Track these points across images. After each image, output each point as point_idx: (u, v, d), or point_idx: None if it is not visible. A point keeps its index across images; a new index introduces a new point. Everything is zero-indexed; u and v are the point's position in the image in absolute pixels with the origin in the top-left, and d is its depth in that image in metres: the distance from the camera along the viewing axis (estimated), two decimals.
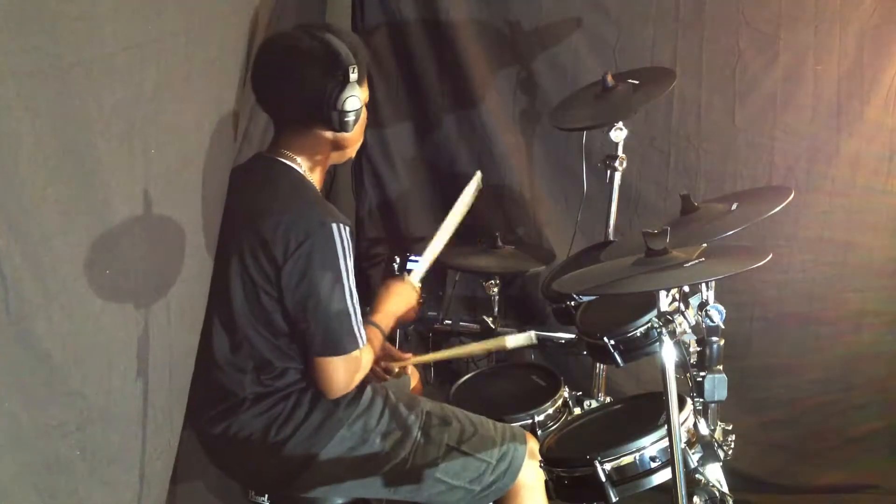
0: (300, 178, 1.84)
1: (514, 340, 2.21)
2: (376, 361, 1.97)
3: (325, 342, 1.76)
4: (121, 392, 1.37)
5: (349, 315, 1.76)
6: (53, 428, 1.19)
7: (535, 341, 2.25)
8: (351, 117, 1.77)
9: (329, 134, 1.83)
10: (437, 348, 2.80)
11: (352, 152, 1.94)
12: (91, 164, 1.20)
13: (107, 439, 1.33)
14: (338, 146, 1.88)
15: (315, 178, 1.89)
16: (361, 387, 1.87)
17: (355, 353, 1.78)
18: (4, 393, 1.09)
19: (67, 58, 1.11)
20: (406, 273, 2.17)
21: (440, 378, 2.88)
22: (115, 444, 1.36)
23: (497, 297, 2.68)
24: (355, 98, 1.76)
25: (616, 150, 2.55)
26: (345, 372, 1.78)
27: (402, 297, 2.06)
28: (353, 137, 1.87)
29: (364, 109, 1.84)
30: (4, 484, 1.11)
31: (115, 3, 1.22)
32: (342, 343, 1.76)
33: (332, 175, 2.93)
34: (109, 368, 1.33)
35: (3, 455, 1.10)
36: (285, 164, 1.84)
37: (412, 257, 2.67)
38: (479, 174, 2.32)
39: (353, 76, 1.74)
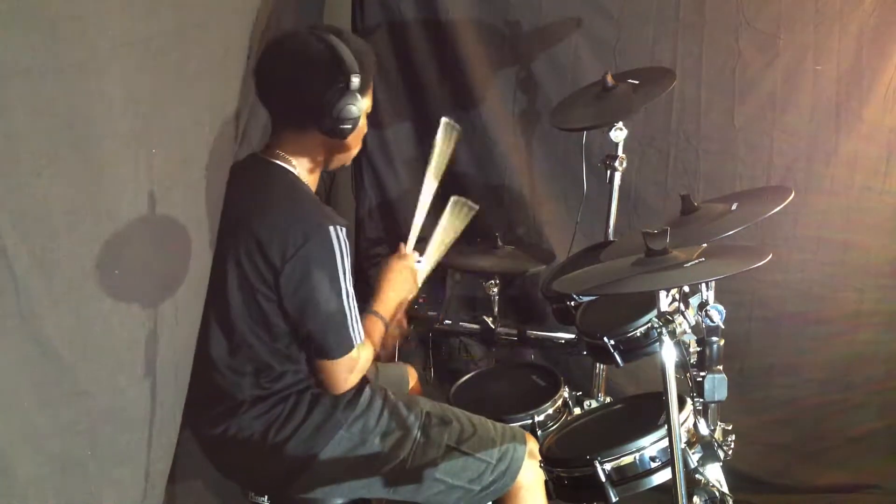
0: (295, 181, 1.84)
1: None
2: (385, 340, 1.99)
3: (323, 345, 1.77)
4: (129, 392, 1.37)
5: (346, 316, 1.76)
6: (65, 427, 1.19)
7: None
8: (347, 125, 1.76)
9: (324, 139, 1.82)
10: (437, 348, 2.81)
11: (347, 159, 1.94)
12: (96, 164, 1.20)
13: (116, 439, 1.33)
14: (333, 152, 1.88)
15: (310, 180, 1.88)
16: (360, 388, 1.87)
17: (352, 352, 1.79)
18: (20, 393, 1.09)
19: (68, 56, 1.11)
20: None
21: (440, 378, 2.88)
22: (124, 443, 1.37)
23: (497, 297, 2.68)
24: (353, 107, 1.74)
25: (616, 150, 2.55)
26: (344, 371, 1.80)
27: (401, 277, 2.05)
28: (349, 145, 1.87)
29: (364, 119, 1.84)
30: (21, 484, 1.11)
31: (114, 2, 1.22)
32: (340, 345, 1.77)
33: (332, 175, 2.93)
34: (118, 368, 1.33)
35: (19, 455, 1.10)
36: (280, 166, 1.84)
37: None
38: (444, 120, 2.28)
39: (355, 85, 1.74)
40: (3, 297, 1.05)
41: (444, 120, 2.28)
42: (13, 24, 1.00)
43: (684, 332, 1.67)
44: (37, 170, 1.08)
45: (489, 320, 2.63)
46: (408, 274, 2.08)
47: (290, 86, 1.78)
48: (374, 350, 1.92)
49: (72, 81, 1.12)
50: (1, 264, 1.03)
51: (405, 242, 2.16)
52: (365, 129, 1.89)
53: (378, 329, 1.95)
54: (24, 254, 1.06)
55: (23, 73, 1.02)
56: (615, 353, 1.95)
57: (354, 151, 1.93)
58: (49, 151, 1.10)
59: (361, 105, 1.78)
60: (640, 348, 1.93)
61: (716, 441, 1.76)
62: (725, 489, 1.82)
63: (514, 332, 2.62)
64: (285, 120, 1.86)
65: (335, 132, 1.77)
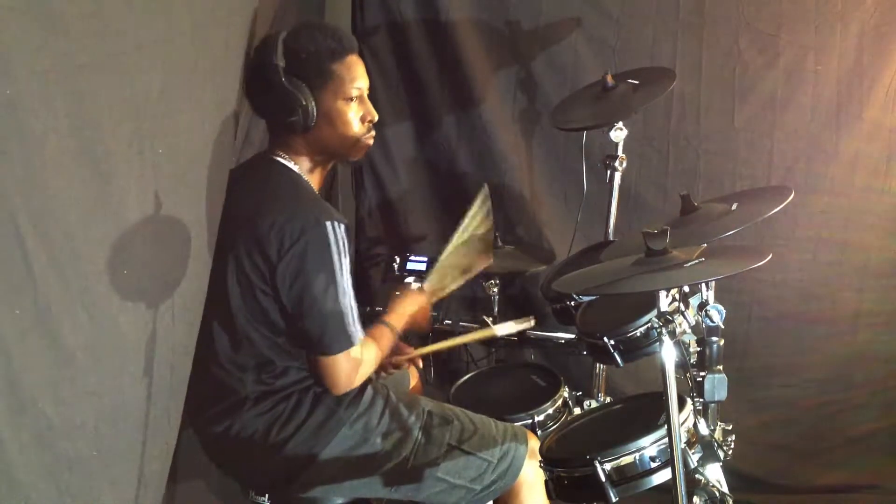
0: (295, 178, 1.85)
1: (505, 329, 2.24)
2: (387, 357, 1.99)
3: (321, 340, 1.76)
4: (130, 392, 1.37)
5: (343, 313, 1.76)
6: (76, 428, 1.20)
7: (530, 325, 2.26)
8: (292, 117, 1.77)
9: (301, 135, 1.83)
10: None
11: (347, 152, 1.89)
12: (107, 165, 1.20)
13: (116, 439, 1.33)
14: (317, 147, 1.86)
15: (312, 177, 1.89)
16: (362, 387, 1.87)
17: (353, 350, 1.78)
18: (37, 392, 1.09)
19: (81, 57, 1.11)
20: (415, 280, 2.19)
21: (440, 378, 2.89)
22: (123, 443, 1.37)
23: (497, 297, 2.68)
24: (284, 98, 1.76)
25: (616, 150, 2.55)
26: (345, 369, 1.79)
27: (414, 299, 2.08)
28: (330, 136, 1.84)
29: (343, 107, 1.82)
30: (29, 482, 1.11)
31: (128, 3, 1.22)
32: (338, 341, 1.76)
33: (332, 175, 2.93)
34: (122, 368, 1.33)
35: (29, 453, 1.10)
36: (282, 163, 1.85)
37: (412, 257, 2.68)
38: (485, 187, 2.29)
39: (278, 76, 1.75)
40: (23, 297, 1.05)
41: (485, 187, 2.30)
42: (30, 24, 1.00)
43: (684, 332, 1.67)
44: (54, 170, 1.08)
45: (489, 320, 2.63)
46: (420, 294, 2.11)
47: (249, 88, 1.83)
48: (381, 356, 1.92)
49: (82, 81, 1.12)
50: (21, 264, 1.04)
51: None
52: (340, 119, 1.83)
53: (386, 337, 1.95)
54: (41, 254, 1.06)
55: (38, 73, 1.03)
56: (615, 353, 1.95)
57: (343, 143, 1.86)
58: (65, 151, 1.10)
59: (303, 94, 1.77)
60: (640, 348, 1.93)
61: (716, 441, 1.76)
62: (725, 489, 1.82)
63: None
64: (270, 121, 1.90)
65: (290, 127, 1.79)
